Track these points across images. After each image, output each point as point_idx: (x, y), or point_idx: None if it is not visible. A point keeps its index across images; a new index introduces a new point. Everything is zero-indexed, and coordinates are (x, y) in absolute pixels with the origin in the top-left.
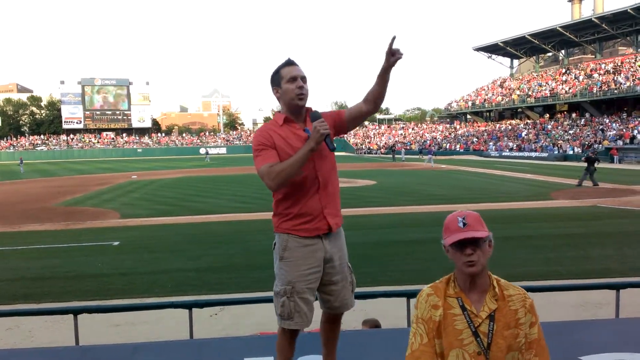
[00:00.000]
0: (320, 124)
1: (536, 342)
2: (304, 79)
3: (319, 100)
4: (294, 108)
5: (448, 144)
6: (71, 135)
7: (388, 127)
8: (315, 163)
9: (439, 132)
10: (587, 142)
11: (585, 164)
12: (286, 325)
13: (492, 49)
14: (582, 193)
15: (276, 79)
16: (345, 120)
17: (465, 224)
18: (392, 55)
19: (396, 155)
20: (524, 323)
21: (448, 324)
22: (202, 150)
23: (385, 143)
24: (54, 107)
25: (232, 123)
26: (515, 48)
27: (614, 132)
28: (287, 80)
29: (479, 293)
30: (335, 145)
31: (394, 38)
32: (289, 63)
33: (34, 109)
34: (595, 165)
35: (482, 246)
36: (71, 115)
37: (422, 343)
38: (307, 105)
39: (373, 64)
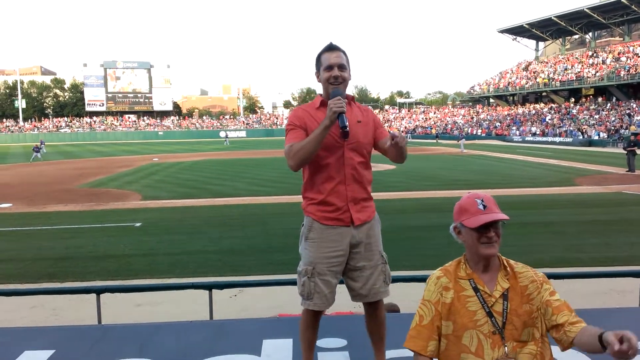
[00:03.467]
0: (335, 101)
1: (565, 304)
2: (341, 66)
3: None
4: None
5: (470, 129)
6: (94, 118)
7: (408, 110)
8: (345, 153)
9: (461, 116)
10: (612, 128)
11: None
12: (306, 306)
13: (517, 31)
14: (607, 179)
15: (317, 64)
16: (376, 144)
17: (485, 206)
18: (394, 142)
19: (438, 140)
20: (535, 297)
21: (461, 306)
22: (222, 134)
23: (406, 127)
24: (77, 90)
25: (252, 106)
26: (540, 30)
27: None
28: (324, 68)
29: (490, 273)
30: (346, 124)
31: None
32: (329, 48)
33: (58, 91)
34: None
35: (500, 228)
36: (94, 97)
37: (420, 324)
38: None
39: (395, 45)
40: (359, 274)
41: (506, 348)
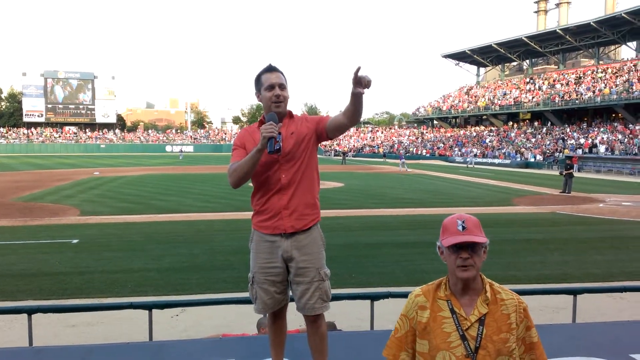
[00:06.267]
0: (266, 127)
1: (537, 344)
2: (281, 86)
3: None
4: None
5: (415, 149)
6: (32, 129)
7: (357, 130)
8: (281, 165)
9: (407, 137)
10: (547, 151)
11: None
12: (253, 309)
13: (460, 57)
14: (543, 200)
15: (258, 85)
16: (326, 129)
17: (464, 227)
18: (359, 84)
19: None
20: (516, 328)
21: (436, 326)
22: (176, 149)
23: (354, 146)
24: (15, 100)
25: (200, 121)
26: (482, 56)
27: (574, 141)
28: (265, 88)
29: (470, 297)
30: (276, 148)
31: (358, 68)
32: (269, 70)
33: None
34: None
35: (479, 252)
36: (32, 108)
37: (394, 335)
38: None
39: (343, 66)
40: (295, 287)
41: None
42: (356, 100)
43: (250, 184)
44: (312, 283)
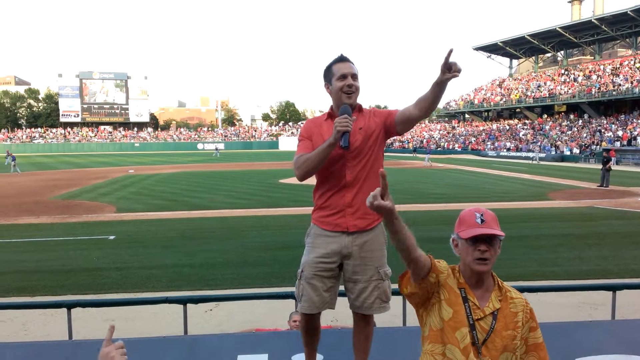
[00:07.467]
0: (340, 120)
1: (540, 345)
2: (354, 76)
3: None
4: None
5: (446, 143)
6: (68, 129)
7: None
8: (346, 160)
9: (437, 131)
10: (584, 144)
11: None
12: (298, 307)
13: (492, 49)
14: (580, 194)
15: (328, 75)
16: (395, 122)
17: (483, 220)
18: (448, 71)
19: (416, 154)
20: (522, 327)
21: (450, 309)
22: (200, 146)
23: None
24: (52, 100)
25: (231, 119)
26: (514, 48)
27: (612, 133)
28: (337, 78)
29: (482, 291)
30: (348, 144)
31: (450, 51)
32: (341, 59)
33: (32, 101)
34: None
35: (495, 245)
36: (69, 108)
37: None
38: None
39: (376, 60)
40: (352, 285)
41: None
42: (440, 89)
43: (314, 181)
44: (370, 282)
